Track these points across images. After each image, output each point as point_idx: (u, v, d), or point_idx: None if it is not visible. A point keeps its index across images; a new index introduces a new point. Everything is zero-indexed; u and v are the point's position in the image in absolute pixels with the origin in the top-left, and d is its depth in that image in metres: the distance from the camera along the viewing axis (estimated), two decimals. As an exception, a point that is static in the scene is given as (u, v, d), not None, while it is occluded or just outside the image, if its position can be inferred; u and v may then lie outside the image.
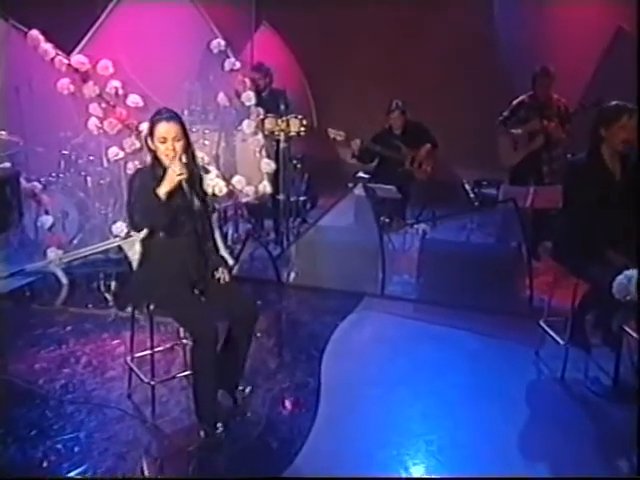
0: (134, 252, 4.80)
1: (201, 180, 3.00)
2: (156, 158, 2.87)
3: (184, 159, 2.79)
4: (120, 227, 4.74)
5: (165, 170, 2.78)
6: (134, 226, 2.86)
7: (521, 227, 4.35)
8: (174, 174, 2.72)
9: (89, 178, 5.08)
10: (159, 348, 3.31)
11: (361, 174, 6.00)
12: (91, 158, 5.06)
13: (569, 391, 3.36)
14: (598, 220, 3.16)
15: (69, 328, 4.02)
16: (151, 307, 3.01)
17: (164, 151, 2.81)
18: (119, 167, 4.93)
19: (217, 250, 3.12)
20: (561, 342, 3.47)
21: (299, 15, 7.29)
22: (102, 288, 4.78)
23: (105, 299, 4.60)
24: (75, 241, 4.98)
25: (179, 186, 2.79)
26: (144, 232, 2.88)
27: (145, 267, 3.01)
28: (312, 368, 3.56)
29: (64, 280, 4.78)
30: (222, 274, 3.05)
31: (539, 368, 3.62)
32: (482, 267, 4.45)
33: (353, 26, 7.49)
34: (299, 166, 5.81)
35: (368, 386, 3.39)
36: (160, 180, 2.74)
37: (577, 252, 3.25)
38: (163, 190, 2.72)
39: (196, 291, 2.97)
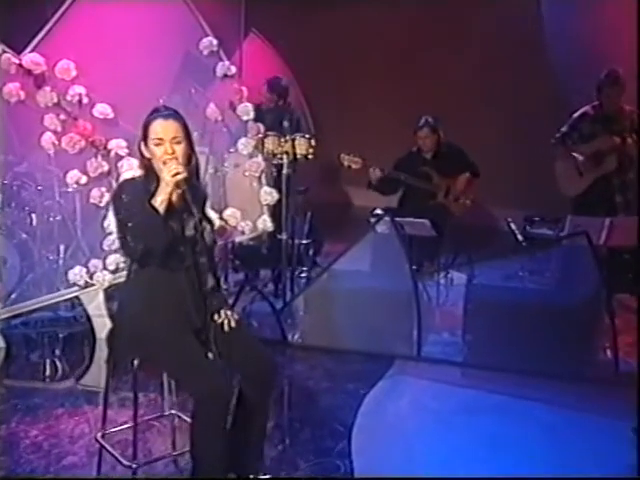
0: (97, 306, 4.77)
1: (205, 200, 2.98)
2: (150, 168, 2.79)
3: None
4: (79, 273, 4.58)
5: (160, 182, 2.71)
6: (128, 252, 2.77)
7: (598, 270, 4.21)
8: (169, 174, 2.64)
9: (34, 215, 4.93)
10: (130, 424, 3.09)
11: (378, 211, 5.90)
12: (39, 189, 4.92)
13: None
14: None
15: (8, 404, 3.87)
16: (135, 363, 2.81)
17: (160, 156, 2.72)
18: (74, 200, 4.80)
19: (218, 288, 3.00)
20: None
21: (294, 20, 7.38)
22: (48, 353, 4.69)
23: (52, 368, 4.52)
24: (14, 294, 4.80)
25: (178, 203, 2.73)
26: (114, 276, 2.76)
27: (131, 311, 2.86)
28: (340, 448, 3.44)
29: (1, 343, 4.67)
30: (226, 318, 2.91)
31: (640, 448, 3.48)
32: (544, 321, 4.34)
33: (363, 30, 7.57)
34: (301, 201, 5.74)
35: (416, 469, 3.26)
36: (155, 193, 2.68)
37: None
38: (160, 199, 2.65)
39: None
